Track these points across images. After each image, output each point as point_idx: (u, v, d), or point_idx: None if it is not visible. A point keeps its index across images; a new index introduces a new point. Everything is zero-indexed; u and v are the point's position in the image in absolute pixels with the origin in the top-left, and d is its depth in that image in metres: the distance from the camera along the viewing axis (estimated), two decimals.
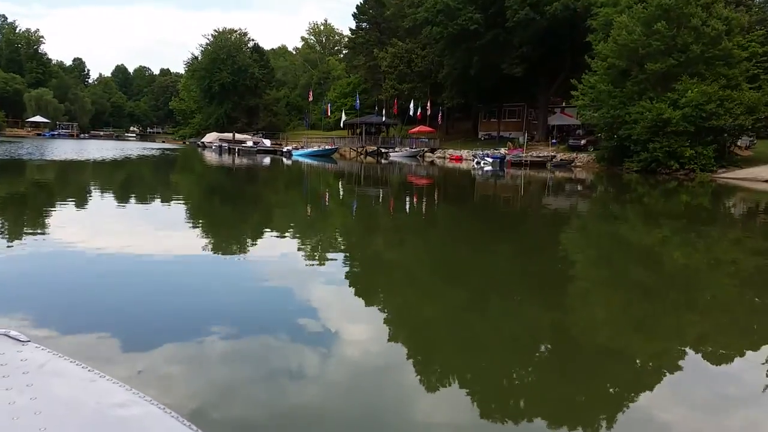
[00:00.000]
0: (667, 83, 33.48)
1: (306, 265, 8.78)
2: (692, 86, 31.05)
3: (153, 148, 62.97)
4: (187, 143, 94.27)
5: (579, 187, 28.72)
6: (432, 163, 50.04)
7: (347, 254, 9.88)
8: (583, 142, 44.39)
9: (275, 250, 9.67)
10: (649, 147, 32.08)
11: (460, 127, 70.14)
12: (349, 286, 7.53)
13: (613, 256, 10.80)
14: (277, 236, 11.46)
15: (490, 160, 41.88)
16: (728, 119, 30.22)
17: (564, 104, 57.64)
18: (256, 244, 10.52)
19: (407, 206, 19.14)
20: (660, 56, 32.66)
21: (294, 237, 11.41)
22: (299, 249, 10.09)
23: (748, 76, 32.21)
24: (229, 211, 15.42)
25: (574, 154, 42.89)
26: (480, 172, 37.83)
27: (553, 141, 51.28)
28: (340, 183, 29.32)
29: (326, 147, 52.30)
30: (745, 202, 22.50)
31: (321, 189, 25.71)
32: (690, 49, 31.63)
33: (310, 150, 50.80)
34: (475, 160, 43.57)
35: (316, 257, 9.44)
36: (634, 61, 34.09)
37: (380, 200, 20.81)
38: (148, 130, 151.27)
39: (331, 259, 9.14)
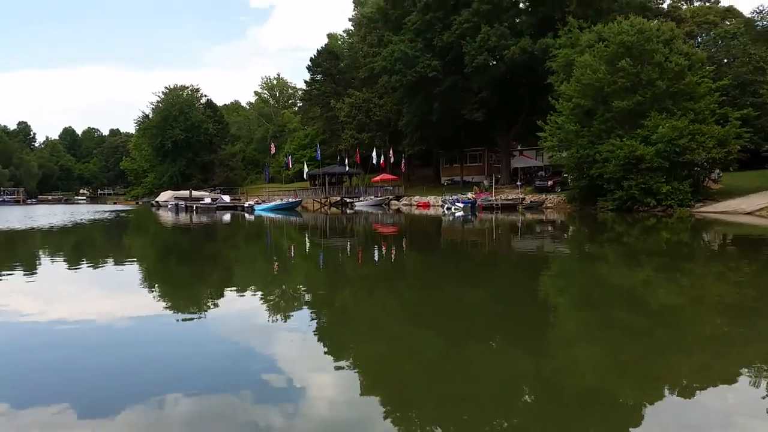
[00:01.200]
0: (634, 120, 33.04)
1: (272, 321, 8.42)
2: (662, 121, 30.59)
3: (105, 211, 59.40)
4: (140, 203, 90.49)
5: (555, 229, 27.59)
6: (398, 210, 48.48)
7: (314, 309, 9.48)
8: (550, 183, 43.70)
9: (239, 308, 9.38)
10: (624, 185, 31.25)
11: (421, 173, 69.38)
12: (318, 341, 7.22)
13: (595, 297, 10.33)
14: (241, 294, 10.99)
15: (461, 205, 40.58)
16: (702, 153, 29.73)
17: (521, 147, 57.59)
18: (218, 304, 10.07)
19: (380, 257, 17.79)
20: (626, 93, 32.28)
21: (259, 294, 10.89)
22: (265, 306, 9.66)
23: (712, 110, 32.02)
24: (191, 271, 14.67)
25: (543, 195, 42.04)
26: (451, 218, 36.43)
27: (519, 183, 50.61)
28: (306, 236, 27.46)
29: (290, 200, 50.22)
30: (734, 237, 21.46)
31: (286, 243, 24.06)
32: (656, 85, 31.32)
33: (272, 204, 48.60)
34: (445, 205, 42.19)
35: (283, 313, 9.02)
36: (599, 99, 33.65)
37: (349, 252, 19.56)
38: (99, 192, 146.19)
39: (298, 315, 8.85)
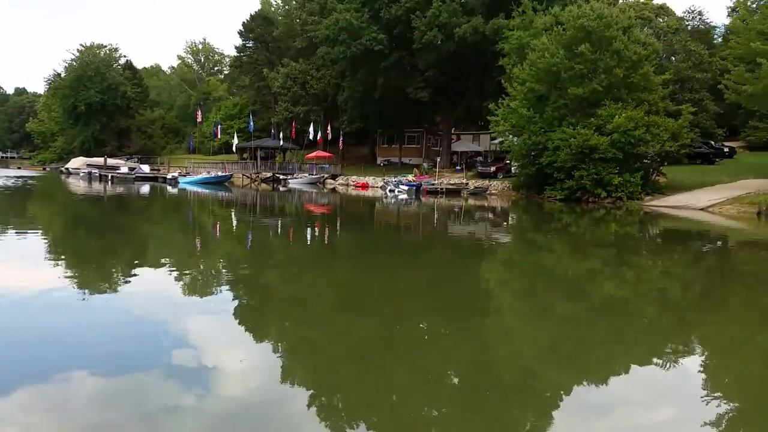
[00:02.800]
0: (586, 108, 32.08)
1: (186, 300, 7.81)
2: (617, 111, 29.69)
3: (8, 176, 52.74)
4: (48, 169, 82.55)
5: (501, 216, 26.72)
6: (334, 190, 45.92)
7: (236, 288, 8.78)
8: (492, 169, 42.55)
9: (152, 285, 8.68)
10: (575, 174, 30.22)
11: (356, 152, 66.78)
12: (237, 322, 6.73)
13: (537, 286, 10.01)
14: (155, 270, 10.09)
15: (405, 187, 38.55)
16: (656, 145, 29.08)
17: (458, 131, 56.28)
18: (130, 280, 9.09)
19: (315, 238, 16.55)
20: (581, 80, 31.17)
21: (175, 271, 10.02)
22: (181, 283, 8.91)
23: (664, 103, 31.53)
24: (102, 246, 13.27)
25: (487, 181, 40.72)
26: (393, 200, 34.39)
27: (458, 168, 49.27)
28: (234, 213, 24.83)
29: (219, 173, 46.31)
30: (692, 233, 20.67)
31: (211, 220, 21.53)
32: (613, 73, 30.35)
33: (199, 177, 44.54)
34: (388, 187, 39.98)
35: (200, 292, 8.37)
36: (554, 85, 32.42)
37: (281, 231, 18.16)
38: (1, 155, 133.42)
39: (217, 294, 8.21)
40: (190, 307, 7.46)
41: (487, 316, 7.85)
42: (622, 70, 30.36)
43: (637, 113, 29.43)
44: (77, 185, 42.33)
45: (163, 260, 11.23)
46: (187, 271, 10.06)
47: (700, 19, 56.04)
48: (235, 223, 20.78)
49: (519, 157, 34.30)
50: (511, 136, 33.45)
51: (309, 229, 18.90)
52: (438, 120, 56.86)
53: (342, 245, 15.56)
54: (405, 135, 57.91)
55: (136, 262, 10.97)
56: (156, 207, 27.76)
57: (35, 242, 13.36)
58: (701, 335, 7.36)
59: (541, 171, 32.72)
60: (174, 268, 10.21)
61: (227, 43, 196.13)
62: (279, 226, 19.57)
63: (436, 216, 25.96)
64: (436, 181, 40.22)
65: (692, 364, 6.04)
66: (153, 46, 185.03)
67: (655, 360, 5.98)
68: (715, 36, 55.58)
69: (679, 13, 59.14)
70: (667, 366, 5.86)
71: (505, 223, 23.78)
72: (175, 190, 39.52)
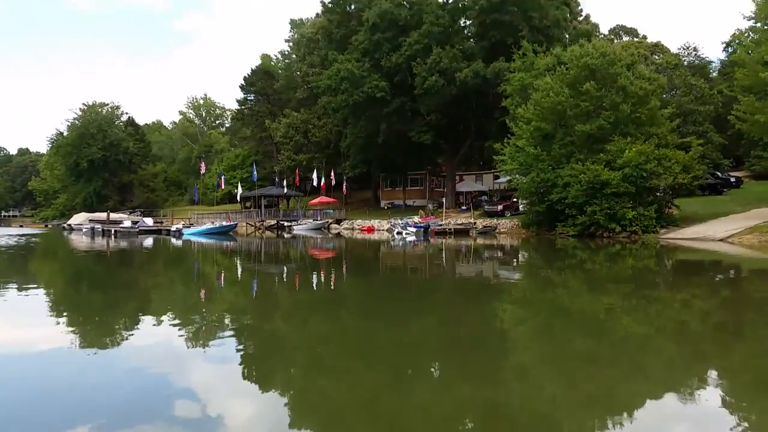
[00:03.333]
0: (593, 144, 31.89)
1: (191, 350, 7.56)
2: (627, 146, 29.45)
3: (9, 235, 52.18)
4: (50, 226, 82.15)
5: (513, 255, 25.88)
6: (339, 235, 45.34)
7: (242, 337, 8.40)
8: (499, 207, 42.08)
9: (156, 338, 8.37)
10: (587, 210, 29.73)
11: (359, 196, 66.65)
12: (242, 371, 6.46)
13: (555, 325, 9.31)
14: (158, 323, 9.60)
15: (413, 229, 38.02)
16: (669, 178, 28.69)
17: (461, 172, 56.18)
18: (134, 334, 8.80)
19: (329, 283, 15.61)
20: (587, 117, 31.07)
21: (179, 323, 9.53)
22: (185, 334, 8.55)
23: (672, 137, 31.35)
24: (106, 300, 12.65)
25: (495, 220, 40.23)
26: (400, 243, 33.70)
27: (463, 208, 48.90)
28: (241, 262, 23.98)
29: (223, 223, 45.83)
30: (720, 266, 19.96)
31: (217, 270, 20.70)
32: (619, 109, 30.25)
33: (204, 228, 44.04)
34: (396, 230, 39.46)
35: (204, 342, 8.05)
36: (560, 123, 32.31)
37: (288, 279, 17.23)
38: (3, 213, 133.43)
39: (222, 343, 7.87)
40: (197, 359, 7.18)
41: (503, 356, 7.47)
42: (628, 105, 30.27)
43: (647, 147, 29.17)
44: (80, 241, 41.73)
45: (167, 312, 10.77)
46: (192, 323, 9.70)
47: (695, 54, 56.77)
48: (240, 271, 20.03)
49: (528, 194, 33.86)
50: (518, 175, 32.99)
51: (316, 274, 18.16)
52: (440, 162, 56.89)
53: (353, 290, 14.78)
54: (408, 178, 57.85)
55: (139, 315, 10.37)
56: (160, 259, 27.11)
57: (37, 300, 12.55)
58: (737, 372, 6.72)
59: (552, 208, 32.26)
60: (178, 321, 9.82)
61: (228, 96, 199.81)
62: (286, 273, 18.83)
63: (446, 256, 25.29)
64: (443, 222, 39.69)
65: (724, 402, 5.60)
66: (154, 103, 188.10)
67: (682, 397, 5.63)
68: (711, 70, 56.15)
69: (673, 49, 59.90)
70: (698, 402, 5.47)
71: (517, 261, 23.06)
72: (179, 242, 38.92)
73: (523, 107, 33.67)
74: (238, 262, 24.53)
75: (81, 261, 26.13)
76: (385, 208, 57.91)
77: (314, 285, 15.79)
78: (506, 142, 34.18)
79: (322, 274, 18.42)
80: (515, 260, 23.92)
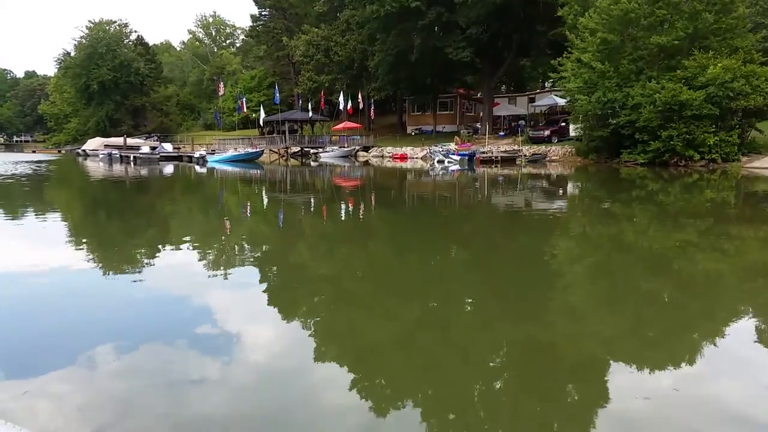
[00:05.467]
0: (664, 60, 27.87)
1: (214, 277, 7.08)
2: (710, 61, 25.47)
3: (22, 161, 48.97)
4: (64, 152, 79.21)
5: (574, 185, 22.56)
6: (367, 162, 41.98)
7: (272, 266, 7.82)
8: (546, 133, 38.31)
9: (178, 264, 7.84)
10: (662, 135, 26.17)
11: (382, 122, 62.51)
12: (267, 300, 6.03)
13: (615, 262, 8.05)
14: (183, 251, 8.83)
15: (457, 157, 34.57)
16: (758, 98, 24.85)
17: (496, 93, 51.87)
18: (161, 259, 8.18)
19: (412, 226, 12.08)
20: (662, 27, 26.90)
21: (204, 250, 8.87)
22: (208, 262, 8.01)
23: (758, 49, 27.18)
24: (151, 233, 11.45)
25: (542, 147, 36.63)
26: (443, 172, 30.38)
27: (501, 134, 45.10)
28: (291, 195, 20.71)
29: (248, 150, 42.45)
30: None
31: (257, 203, 17.53)
32: (701, 18, 26.02)
33: (229, 155, 40.68)
34: (436, 158, 35.98)
35: (229, 270, 7.40)
36: (628, 35, 28.13)
37: (364, 214, 14.23)
38: (15, 139, 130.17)
39: (247, 272, 7.28)
40: (216, 284, 6.73)
41: (553, 294, 6.39)
42: (711, 14, 25.99)
43: (734, 62, 25.19)
44: (98, 168, 38.72)
45: (195, 241, 9.97)
46: (216, 249, 9.05)
47: None
48: (301, 205, 16.98)
49: (590, 117, 30.11)
50: (581, 95, 29.04)
51: (367, 208, 15.31)
52: (472, 83, 52.52)
53: (416, 224, 12.19)
54: (437, 101, 53.51)
55: (183, 243, 9.67)
56: (196, 189, 24.12)
57: (62, 232, 10.13)
58: None
59: (617, 132, 28.69)
60: (201, 248, 9.21)
61: (238, 14, 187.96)
62: (347, 210, 15.80)
63: (503, 187, 21.97)
64: (485, 149, 36.18)
65: None
66: (161, 23, 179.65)
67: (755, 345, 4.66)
68: None
69: None
70: None
71: (580, 192, 20.05)
72: (203, 170, 35.87)
73: (586, 16, 29.35)
74: (286, 194, 21.29)
75: (106, 190, 23.18)
76: (412, 134, 54.07)
77: (370, 219, 13.23)
78: (566, 57, 30.09)
79: (373, 207, 15.75)
80: (578, 190, 20.73)
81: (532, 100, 52.91)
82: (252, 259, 8.44)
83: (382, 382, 4.02)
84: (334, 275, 7.45)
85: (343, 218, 13.48)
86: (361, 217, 13.71)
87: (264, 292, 6.37)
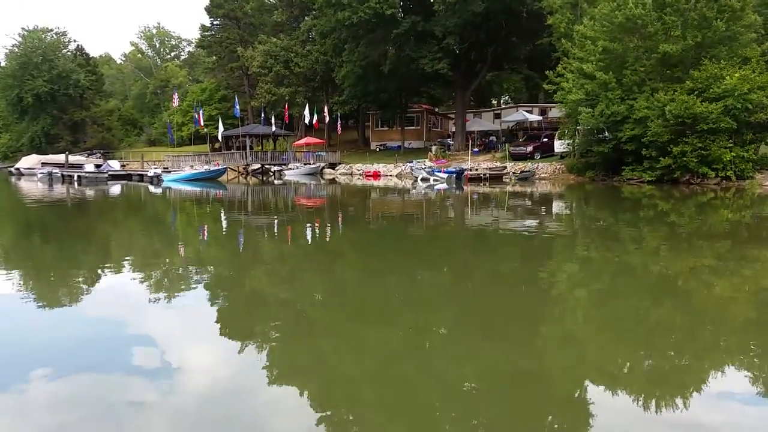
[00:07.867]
0: (670, 70, 25.76)
1: (165, 303, 6.62)
2: (722, 71, 23.42)
3: None
4: None
5: (573, 205, 20.20)
6: (334, 181, 38.24)
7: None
8: (528, 149, 35.74)
9: (123, 290, 7.43)
10: (674, 151, 23.85)
11: (343, 137, 58.82)
12: (220, 328, 5.60)
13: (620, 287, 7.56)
14: (129, 277, 8.29)
15: (444, 175, 31.36)
16: None
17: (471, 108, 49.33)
18: (108, 289, 7.68)
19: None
20: (668, 36, 24.75)
21: (156, 275, 8.42)
22: (158, 287, 7.63)
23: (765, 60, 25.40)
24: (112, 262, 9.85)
25: (526, 164, 33.95)
26: (426, 192, 27.02)
27: (475, 150, 42.32)
28: (268, 217, 16.91)
29: (207, 168, 37.85)
30: None
31: (245, 233, 13.84)
32: (711, 26, 23.98)
33: (189, 173, 35.96)
34: (419, 176, 32.66)
35: (180, 295, 7.01)
36: (631, 44, 25.84)
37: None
38: None
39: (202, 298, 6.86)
40: (167, 310, 6.33)
41: (551, 322, 5.99)
42: (722, 22, 24.00)
43: (751, 73, 23.21)
44: (36, 189, 33.33)
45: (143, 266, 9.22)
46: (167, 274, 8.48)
47: None
48: (300, 237, 13.29)
49: (587, 132, 27.61)
50: (583, 107, 26.41)
51: (356, 230, 12.38)
52: (437, 98, 49.87)
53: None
54: (405, 116, 50.32)
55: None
56: (159, 216, 19.76)
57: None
58: None
59: (618, 148, 26.27)
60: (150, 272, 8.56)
61: (184, 26, 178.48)
62: (334, 234, 12.33)
63: (506, 208, 18.86)
64: (467, 166, 33.18)
65: None
66: (101, 34, 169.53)
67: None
68: None
69: None
70: None
71: (583, 212, 17.84)
72: (158, 190, 31.21)
73: (584, 23, 26.94)
74: (275, 221, 17.32)
75: (48, 214, 18.51)
76: (377, 150, 50.66)
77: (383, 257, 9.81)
78: (563, 67, 27.54)
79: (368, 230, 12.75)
80: (580, 211, 18.17)
81: (497, 116, 50.77)
82: (212, 285, 7.86)
83: (349, 418, 3.65)
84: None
85: (358, 269, 9.92)
86: (393, 276, 10.11)
87: (216, 321, 5.92)
